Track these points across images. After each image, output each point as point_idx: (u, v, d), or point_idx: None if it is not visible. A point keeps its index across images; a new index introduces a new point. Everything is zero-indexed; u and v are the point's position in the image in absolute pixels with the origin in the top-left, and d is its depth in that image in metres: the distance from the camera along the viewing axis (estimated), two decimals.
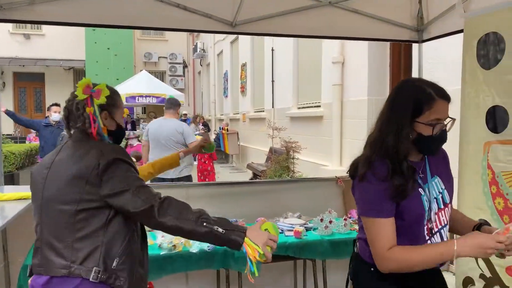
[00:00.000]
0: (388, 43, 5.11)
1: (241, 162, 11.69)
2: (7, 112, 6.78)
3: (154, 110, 14.31)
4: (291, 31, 3.05)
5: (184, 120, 11.28)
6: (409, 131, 1.45)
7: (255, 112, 11.17)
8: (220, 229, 1.43)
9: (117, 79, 14.11)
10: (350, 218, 2.79)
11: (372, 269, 1.53)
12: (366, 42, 5.28)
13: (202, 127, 13.02)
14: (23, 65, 17.03)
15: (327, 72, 6.46)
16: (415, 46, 3.41)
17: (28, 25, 16.65)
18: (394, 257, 1.43)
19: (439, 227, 1.52)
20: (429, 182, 1.51)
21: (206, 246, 2.37)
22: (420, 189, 1.48)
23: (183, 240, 2.36)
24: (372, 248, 1.48)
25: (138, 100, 11.71)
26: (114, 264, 1.47)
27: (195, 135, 5.58)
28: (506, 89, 2.33)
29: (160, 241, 2.39)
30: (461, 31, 2.69)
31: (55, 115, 6.30)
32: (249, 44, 11.21)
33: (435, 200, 1.51)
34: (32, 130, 10.76)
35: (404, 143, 1.44)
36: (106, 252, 1.47)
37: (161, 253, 2.31)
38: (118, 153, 1.51)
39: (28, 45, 17.01)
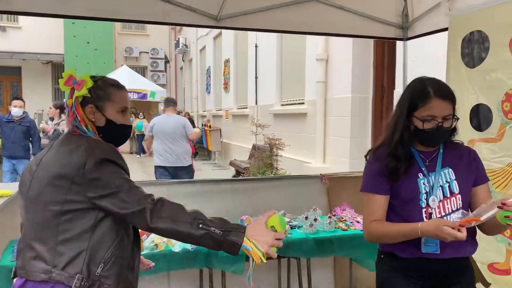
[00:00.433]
0: (372, 40, 5.11)
1: (223, 159, 11.62)
2: None
3: (135, 106, 14.12)
4: (277, 26, 3.01)
5: None
6: (408, 123, 1.61)
7: (238, 108, 11.11)
8: (217, 231, 1.33)
9: (97, 74, 13.77)
10: (334, 215, 2.77)
11: (382, 256, 1.73)
12: (350, 40, 5.28)
13: None
14: None
15: (311, 69, 6.44)
16: (399, 43, 3.40)
17: (4, 17, 16.17)
18: (371, 229, 1.64)
19: (443, 214, 1.59)
20: (437, 171, 1.63)
21: (189, 245, 2.31)
22: (420, 174, 1.62)
23: (165, 239, 2.30)
24: (362, 219, 1.72)
25: None
26: (99, 270, 1.37)
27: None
28: (490, 87, 2.34)
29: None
30: (446, 29, 2.70)
31: (16, 110, 5.74)
32: (232, 39, 11.13)
33: (440, 188, 1.61)
34: None
35: (399, 132, 1.62)
36: (90, 257, 1.36)
37: (143, 253, 2.25)
38: (106, 153, 1.40)
39: (4, 38, 16.52)
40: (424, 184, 1.61)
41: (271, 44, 8.13)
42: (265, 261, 1.33)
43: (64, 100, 1.61)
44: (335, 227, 2.59)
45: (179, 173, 4.92)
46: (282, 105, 8.05)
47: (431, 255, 1.58)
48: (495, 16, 2.31)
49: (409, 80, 1.76)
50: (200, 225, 1.33)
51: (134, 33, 19.36)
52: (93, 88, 1.47)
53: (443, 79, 2.68)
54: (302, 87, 6.89)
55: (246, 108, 10.05)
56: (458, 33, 2.56)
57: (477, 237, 2.38)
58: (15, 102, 5.90)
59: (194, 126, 13.40)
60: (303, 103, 6.96)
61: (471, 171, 1.65)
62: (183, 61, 19.68)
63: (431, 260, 1.59)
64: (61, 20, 14.53)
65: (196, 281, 2.73)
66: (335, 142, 5.87)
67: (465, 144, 2.48)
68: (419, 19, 3.02)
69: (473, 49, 2.46)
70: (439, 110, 1.55)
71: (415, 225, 1.53)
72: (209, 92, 14.57)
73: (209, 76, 14.36)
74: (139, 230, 1.57)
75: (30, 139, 5.88)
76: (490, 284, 2.35)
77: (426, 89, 1.57)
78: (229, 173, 9.04)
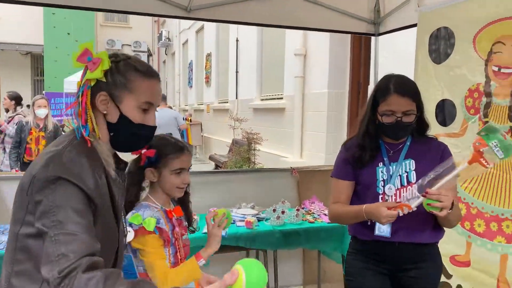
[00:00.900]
0: (349, 36, 5.14)
1: (204, 153, 11.58)
2: None
3: None
4: (251, 19, 3.00)
5: None
6: (374, 117, 1.72)
7: (219, 103, 11.06)
8: None
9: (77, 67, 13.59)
10: (303, 208, 2.79)
11: (350, 239, 1.86)
12: (327, 35, 5.30)
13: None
14: None
15: (289, 64, 6.45)
16: (373, 39, 3.43)
17: None
18: (331, 209, 1.83)
19: (398, 200, 1.69)
20: (400, 161, 1.73)
21: None
22: (380, 163, 1.74)
23: None
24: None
25: None
26: None
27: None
28: (455, 83, 2.38)
29: None
30: (415, 25, 2.73)
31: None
32: (214, 33, 11.06)
33: (399, 177, 1.71)
34: None
35: (365, 125, 1.74)
36: None
37: None
38: (67, 169, 1.02)
39: None
40: (382, 172, 1.73)
41: (252, 38, 8.11)
42: None
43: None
44: (303, 220, 2.61)
45: None
46: (262, 99, 8.05)
47: (384, 239, 1.68)
48: (460, 13, 2.35)
49: (380, 76, 1.81)
50: None
51: (117, 25, 19.06)
52: (111, 71, 1.13)
53: (413, 75, 2.72)
54: (281, 82, 6.90)
55: (227, 102, 10.02)
56: (426, 29, 2.59)
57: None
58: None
59: None
60: (281, 98, 6.97)
61: (435, 165, 1.67)
62: (166, 54, 19.49)
63: (385, 243, 1.69)
64: (41, 10, 14.24)
65: None
66: (312, 137, 5.90)
67: (440, 138, 2.54)
68: (390, 15, 3.05)
69: (440, 45, 2.49)
70: (397, 106, 1.64)
71: (361, 206, 1.68)
72: (191, 86, 14.47)
73: (191, 70, 14.26)
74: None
75: None
76: (451, 275, 2.41)
77: (388, 86, 1.68)
78: (209, 167, 9.01)
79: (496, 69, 2.10)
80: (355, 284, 1.78)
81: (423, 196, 1.52)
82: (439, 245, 2.42)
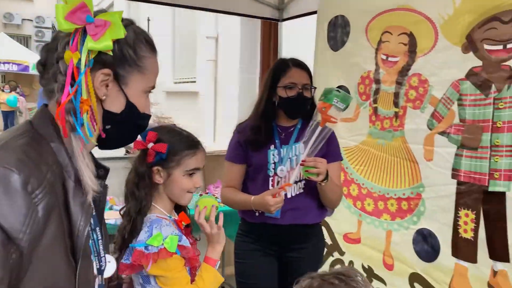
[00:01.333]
0: (259, 21, 5.15)
1: None
2: None
3: (15, 79, 12.68)
4: None
5: None
6: (272, 96, 1.75)
7: None
8: None
9: None
10: (207, 193, 2.77)
11: (240, 222, 1.91)
12: (238, 19, 5.26)
13: None
14: None
15: (202, 47, 6.34)
16: (281, 24, 3.46)
17: None
18: (223, 193, 1.86)
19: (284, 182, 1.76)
20: (290, 144, 1.78)
21: None
22: (272, 146, 1.78)
23: None
24: None
25: None
26: None
27: None
28: (350, 70, 2.49)
29: None
30: (316, 12, 2.80)
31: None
32: (125, 11, 10.46)
33: (289, 159, 1.77)
34: None
35: (263, 106, 1.76)
36: None
37: None
38: (11, 161, 0.71)
39: None
40: (273, 155, 1.78)
41: (165, 18, 7.83)
42: None
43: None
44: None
45: None
46: (175, 83, 7.86)
47: (273, 220, 1.74)
48: (355, 2, 2.44)
49: None
50: None
51: None
52: (118, 41, 0.82)
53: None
54: (194, 65, 6.77)
55: None
56: (325, 17, 2.66)
57: (336, 210, 2.55)
58: None
59: None
60: (194, 81, 6.85)
61: (321, 149, 1.76)
62: None
63: (273, 225, 1.75)
64: None
65: None
66: (225, 121, 5.89)
67: (327, 124, 2.64)
68: (294, 1, 3.09)
69: (337, 33, 2.58)
70: (298, 78, 1.74)
71: (249, 198, 1.72)
72: None
73: None
74: None
75: None
76: (344, 252, 2.55)
77: (286, 62, 1.79)
78: (120, 152, 8.63)
79: (384, 57, 2.22)
80: (244, 266, 1.82)
81: (301, 165, 1.64)
82: (335, 224, 2.56)
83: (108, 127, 0.86)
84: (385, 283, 2.26)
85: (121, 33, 0.81)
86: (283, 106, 1.75)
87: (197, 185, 1.37)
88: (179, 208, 1.42)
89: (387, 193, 2.24)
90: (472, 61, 1.78)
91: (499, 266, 1.75)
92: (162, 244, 1.23)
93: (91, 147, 0.88)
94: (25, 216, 0.69)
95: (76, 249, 0.78)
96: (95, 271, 0.88)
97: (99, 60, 0.81)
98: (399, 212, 2.18)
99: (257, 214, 1.76)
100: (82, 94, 0.79)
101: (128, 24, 0.88)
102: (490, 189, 1.76)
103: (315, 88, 1.81)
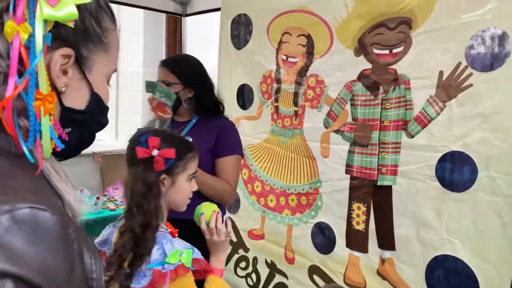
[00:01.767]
0: (164, 15, 5.01)
1: None
2: None
3: None
4: None
5: None
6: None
7: None
8: None
9: None
10: (105, 196, 2.62)
11: None
12: (142, 12, 5.06)
13: None
14: None
15: None
16: (185, 19, 3.39)
17: None
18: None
19: None
20: None
21: None
22: None
23: None
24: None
25: None
26: None
27: None
28: (252, 69, 2.52)
29: None
30: (220, 9, 2.78)
31: None
32: None
33: None
34: None
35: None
36: None
37: None
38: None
39: None
40: None
41: None
42: None
43: None
44: (103, 208, 2.45)
45: None
46: None
47: (182, 215, 1.66)
48: (257, 2, 2.47)
49: None
50: None
51: None
52: (81, 10, 0.58)
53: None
54: None
55: None
56: (228, 15, 2.66)
57: (241, 208, 2.56)
58: None
59: None
60: None
61: (211, 142, 1.75)
62: None
63: (176, 220, 1.65)
64: None
65: None
66: (127, 117, 5.64)
67: (233, 121, 2.65)
68: None
69: (240, 31, 2.59)
70: (160, 76, 1.78)
71: None
72: None
73: None
74: None
75: None
76: (249, 249, 2.58)
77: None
78: None
79: (284, 57, 2.28)
80: None
81: None
82: (241, 221, 2.57)
83: (67, 130, 0.61)
84: (287, 277, 2.33)
85: None
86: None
87: (194, 189, 1.30)
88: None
89: (288, 189, 2.31)
90: (363, 64, 1.90)
91: (387, 254, 1.90)
92: (180, 260, 1.13)
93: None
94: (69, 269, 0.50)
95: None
96: None
97: (57, 36, 0.56)
98: (299, 207, 2.26)
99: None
100: (40, 87, 0.53)
101: None
102: (379, 183, 1.90)
103: (190, 90, 1.76)
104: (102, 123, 0.71)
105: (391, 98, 1.83)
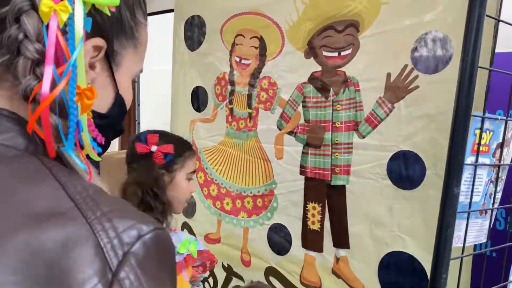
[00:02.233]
0: None
1: None
2: None
3: None
4: None
5: None
6: None
7: None
8: None
9: None
10: None
11: None
12: None
13: None
14: None
15: None
16: None
17: None
18: None
19: None
20: None
21: None
22: None
23: None
24: None
25: None
26: None
27: None
28: (206, 71, 2.49)
29: None
30: (173, 10, 2.74)
31: None
32: None
33: None
34: None
35: None
36: None
37: None
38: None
39: None
40: None
41: None
42: None
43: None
44: None
45: None
46: None
47: None
48: (210, 3, 2.45)
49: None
50: None
51: None
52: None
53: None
54: None
55: None
56: (182, 16, 2.62)
57: (197, 212, 2.53)
58: None
59: None
60: None
61: None
62: None
63: None
64: None
65: None
66: None
67: (187, 124, 2.62)
68: None
69: (194, 32, 2.56)
70: None
71: None
72: None
73: None
74: None
75: None
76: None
77: None
78: None
79: (237, 59, 2.27)
80: None
81: None
82: (197, 226, 2.54)
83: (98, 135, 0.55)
84: (243, 280, 2.32)
85: None
86: None
87: (193, 191, 1.32)
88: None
89: (244, 191, 2.30)
90: (313, 66, 1.92)
91: (341, 252, 1.93)
92: (188, 250, 1.15)
93: None
94: None
95: None
96: None
97: (92, 23, 0.48)
98: (254, 209, 2.26)
99: None
100: (79, 81, 0.46)
101: None
102: (333, 183, 1.93)
103: None
104: (120, 129, 0.63)
105: (342, 100, 1.86)
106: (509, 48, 1.76)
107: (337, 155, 1.90)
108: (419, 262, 1.68)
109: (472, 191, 1.28)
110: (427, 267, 1.66)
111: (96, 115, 0.53)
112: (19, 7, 0.44)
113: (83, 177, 0.48)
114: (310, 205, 2.03)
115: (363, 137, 1.81)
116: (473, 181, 1.28)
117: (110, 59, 0.54)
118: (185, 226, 2.60)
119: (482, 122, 1.28)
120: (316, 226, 2.01)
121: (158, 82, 3.40)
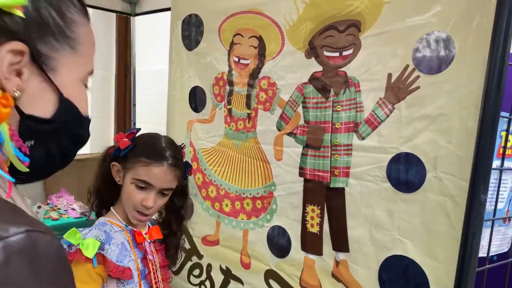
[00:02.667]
0: (115, 15, 4.85)
1: None
2: None
3: None
4: None
5: None
6: None
7: None
8: None
9: None
10: (48, 205, 2.48)
11: None
12: (91, 11, 4.87)
13: None
14: None
15: None
16: (133, 19, 3.28)
17: None
18: None
19: None
20: None
21: None
22: None
23: None
24: None
25: None
26: None
27: None
28: (204, 71, 2.46)
29: None
30: (169, 9, 2.70)
31: None
32: None
33: None
34: None
35: None
36: None
37: None
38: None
39: None
40: None
41: None
42: None
43: None
44: (45, 217, 2.31)
45: None
46: None
47: None
48: (208, 2, 2.42)
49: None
50: None
51: None
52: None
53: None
54: None
55: None
56: (179, 15, 2.59)
57: (195, 214, 2.50)
58: None
59: None
60: None
61: None
62: None
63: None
64: None
65: None
66: None
67: (184, 125, 2.59)
68: None
69: (192, 32, 2.53)
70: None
71: None
72: None
73: None
74: None
75: None
76: (203, 256, 2.52)
77: None
78: None
79: (236, 59, 2.24)
80: None
81: None
82: (195, 228, 2.51)
83: (29, 143, 0.51)
84: (242, 283, 2.29)
85: None
86: None
87: (146, 204, 1.23)
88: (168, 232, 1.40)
89: (243, 193, 2.27)
90: (314, 66, 1.89)
91: (341, 256, 1.90)
92: (79, 244, 1.13)
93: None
94: None
95: None
96: None
97: (1, 28, 0.46)
98: (254, 211, 2.22)
99: None
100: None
101: None
102: (332, 185, 1.90)
103: None
104: (79, 135, 0.59)
105: (342, 101, 1.83)
106: None
107: (336, 157, 1.88)
108: (419, 266, 1.66)
109: (497, 197, 1.21)
110: (428, 272, 1.63)
111: (38, 121, 0.51)
112: None
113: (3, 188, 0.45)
114: (309, 208, 2.00)
115: (363, 138, 1.78)
116: (498, 187, 1.21)
117: (40, 63, 0.51)
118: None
119: (509, 123, 1.20)
120: (315, 229, 1.99)
121: (154, 82, 3.36)
